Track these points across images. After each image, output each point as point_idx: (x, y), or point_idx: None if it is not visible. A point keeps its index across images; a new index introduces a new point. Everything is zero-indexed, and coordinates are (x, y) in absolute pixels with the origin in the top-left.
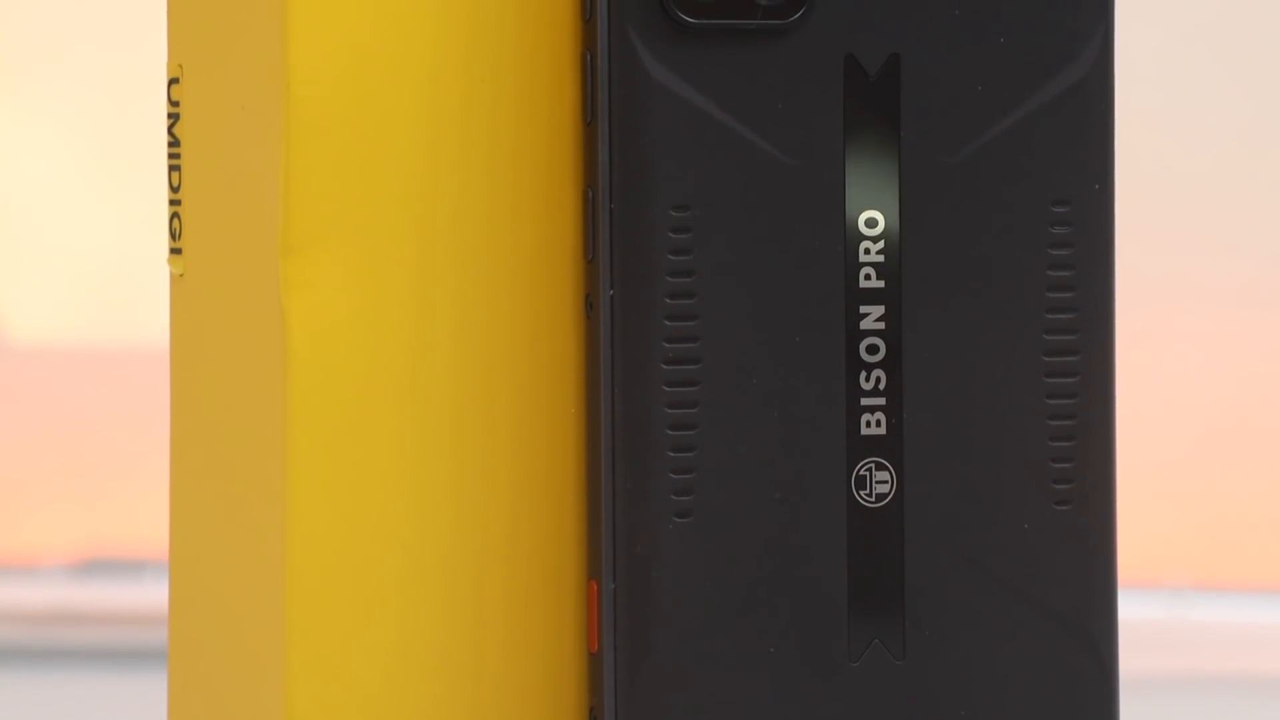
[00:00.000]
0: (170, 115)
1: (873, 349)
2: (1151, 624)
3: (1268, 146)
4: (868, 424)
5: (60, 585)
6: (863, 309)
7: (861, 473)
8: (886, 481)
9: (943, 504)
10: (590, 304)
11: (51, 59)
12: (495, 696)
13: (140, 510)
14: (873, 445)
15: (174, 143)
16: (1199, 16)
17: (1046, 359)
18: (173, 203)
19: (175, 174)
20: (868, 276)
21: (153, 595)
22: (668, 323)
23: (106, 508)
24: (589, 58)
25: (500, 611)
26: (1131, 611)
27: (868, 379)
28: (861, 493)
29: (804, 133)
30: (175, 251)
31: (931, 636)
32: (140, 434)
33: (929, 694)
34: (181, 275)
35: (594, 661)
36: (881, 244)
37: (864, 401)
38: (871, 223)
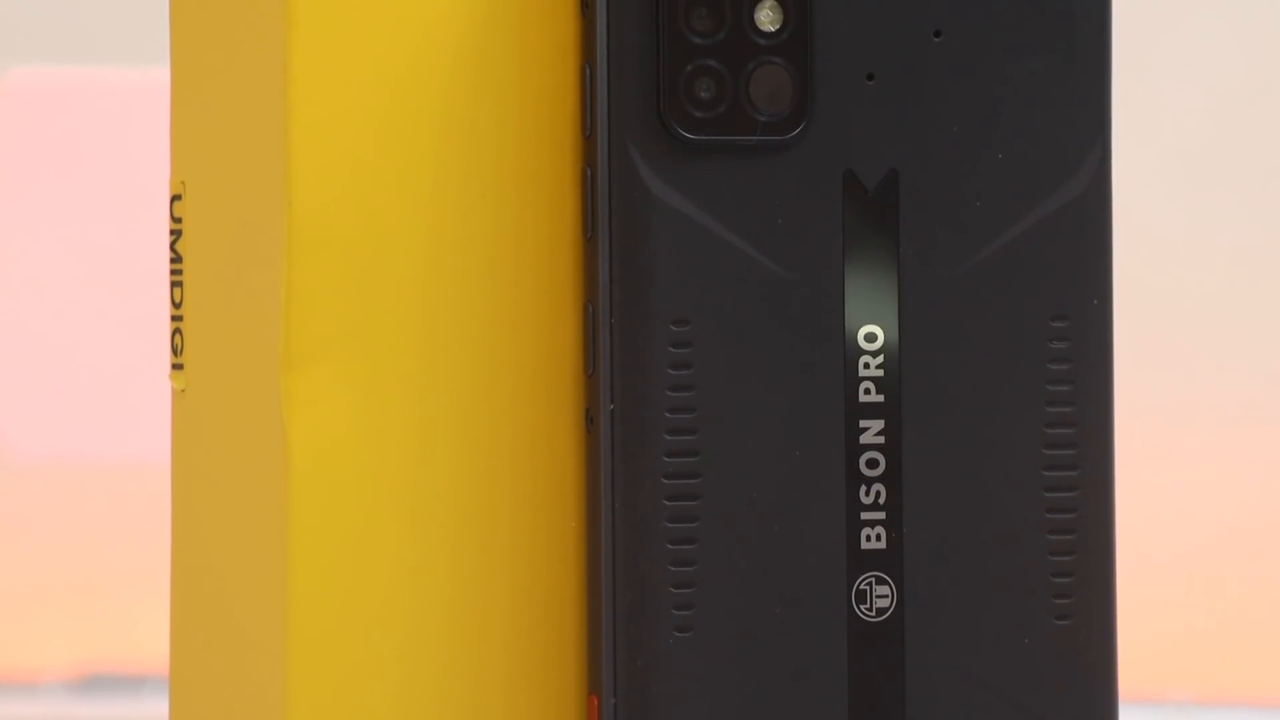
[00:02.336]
0: (172, 232)
1: (873, 463)
2: None
3: (1267, 262)
4: (868, 538)
5: (60, 701)
6: (862, 423)
7: (862, 587)
8: (887, 596)
9: (943, 619)
10: (590, 419)
11: (53, 173)
12: None
13: (141, 626)
14: (873, 560)
15: (176, 259)
16: (1197, 131)
17: (1046, 473)
18: (174, 318)
19: (177, 290)
20: (867, 391)
21: (153, 711)
22: (668, 437)
23: (107, 623)
24: (589, 173)
25: None
26: None
27: (868, 493)
28: (862, 607)
29: (803, 248)
30: (177, 367)
31: None
32: (141, 550)
33: None
34: (183, 391)
35: None
36: (881, 359)
37: (864, 516)
38: (871, 337)
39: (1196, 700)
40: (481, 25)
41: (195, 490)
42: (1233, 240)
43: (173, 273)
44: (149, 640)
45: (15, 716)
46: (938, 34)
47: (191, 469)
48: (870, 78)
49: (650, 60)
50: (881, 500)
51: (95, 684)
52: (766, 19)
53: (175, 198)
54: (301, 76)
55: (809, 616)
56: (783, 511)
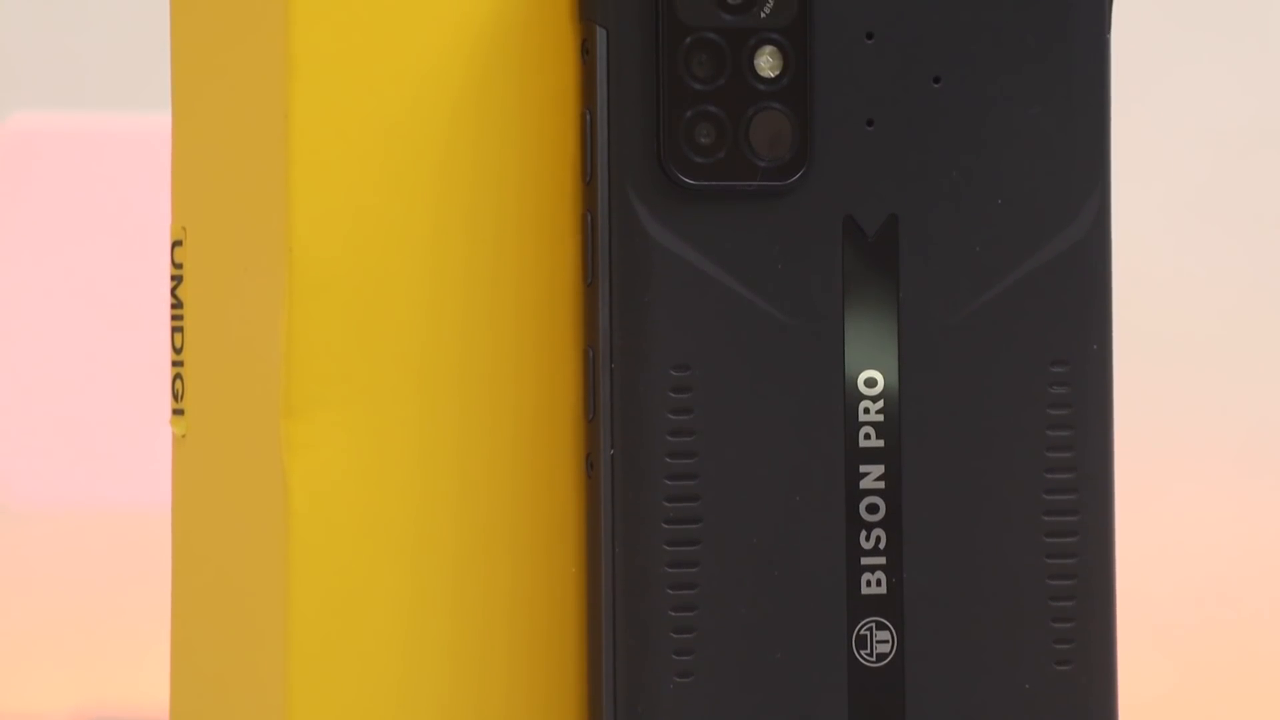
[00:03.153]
0: (173, 277)
1: (873, 508)
2: None
3: (1267, 308)
4: (868, 583)
5: None
6: (863, 468)
7: (862, 632)
8: (887, 641)
9: (943, 663)
10: (591, 463)
11: (54, 218)
12: None
13: (142, 671)
14: (873, 605)
15: (177, 304)
16: (1196, 177)
17: (1046, 518)
18: (175, 364)
19: (178, 335)
20: (867, 436)
21: None
22: (668, 482)
23: (108, 669)
24: (589, 219)
25: None
26: None
27: (868, 538)
28: (862, 652)
29: (803, 293)
30: (177, 413)
31: None
32: (142, 595)
33: None
34: (183, 436)
35: None
36: (881, 403)
37: (864, 561)
38: (871, 382)
39: None
40: (481, 71)
41: (196, 536)
42: (1233, 284)
43: (173, 318)
44: (150, 686)
45: None
46: (937, 80)
47: (192, 514)
48: (870, 123)
49: (650, 106)
50: (882, 545)
51: None
52: (767, 65)
53: (176, 243)
54: (302, 121)
55: (809, 662)
56: (783, 556)
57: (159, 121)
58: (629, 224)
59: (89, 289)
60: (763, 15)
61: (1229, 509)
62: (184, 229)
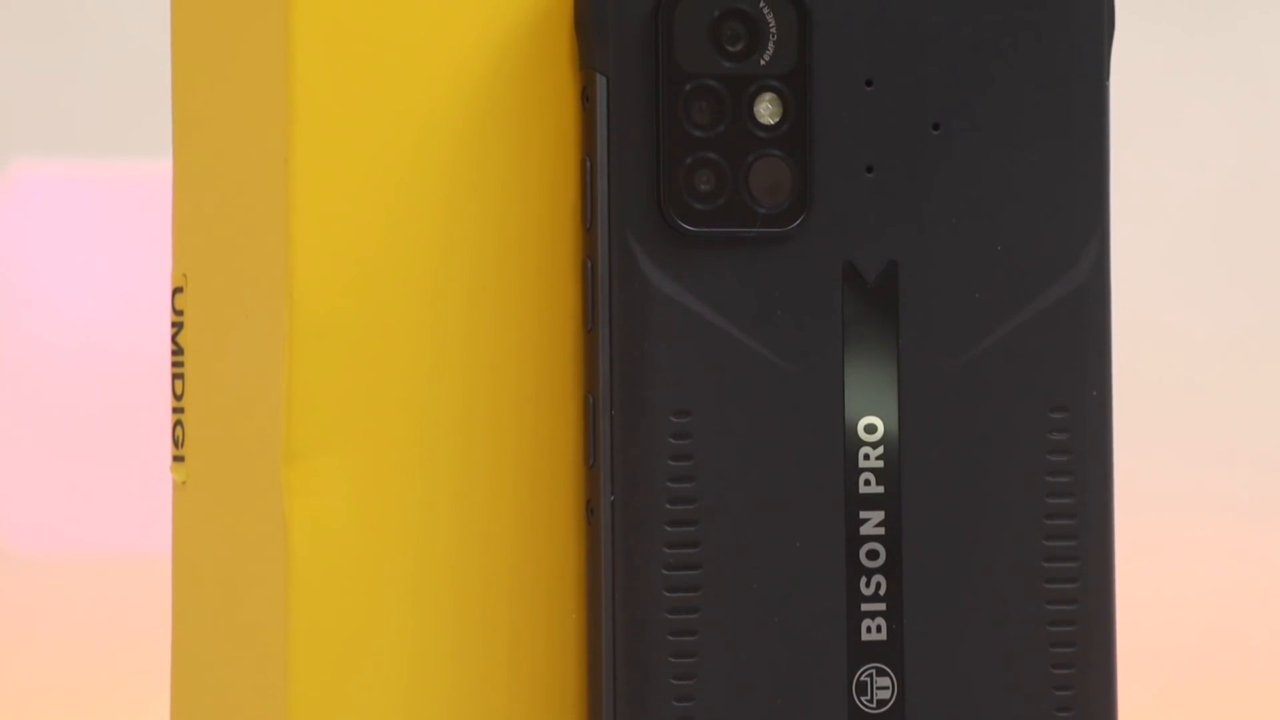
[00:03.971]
0: (174, 324)
1: (873, 554)
2: None
3: (1267, 354)
4: (868, 629)
5: None
6: (863, 514)
7: (862, 678)
8: (887, 687)
9: (944, 710)
10: (591, 509)
11: (55, 265)
12: None
13: (142, 718)
14: (874, 651)
15: (177, 351)
16: (1196, 223)
17: (1046, 565)
18: (175, 410)
19: (178, 382)
20: (867, 482)
21: None
22: (668, 528)
23: (108, 716)
24: (589, 265)
25: None
26: None
27: (868, 584)
28: (863, 699)
29: (803, 339)
30: (178, 459)
31: None
32: (142, 642)
33: None
34: (184, 483)
35: None
36: (881, 449)
37: (864, 607)
38: (871, 428)
39: None
40: (482, 118)
41: (196, 582)
42: (1233, 329)
43: (174, 365)
44: None
45: None
46: (936, 127)
47: (192, 561)
48: (869, 170)
49: (650, 153)
50: (882, 591)
51: None
52: (766, 112)
53: (177, 290)
54: (303, 167)
55: (810, 708)
56: (783, 602)
57: (160, 169)
58: (629, 270)
59: (89, 336)
60: (763, 62)
61: (1231, 555)
62: (185, 276)
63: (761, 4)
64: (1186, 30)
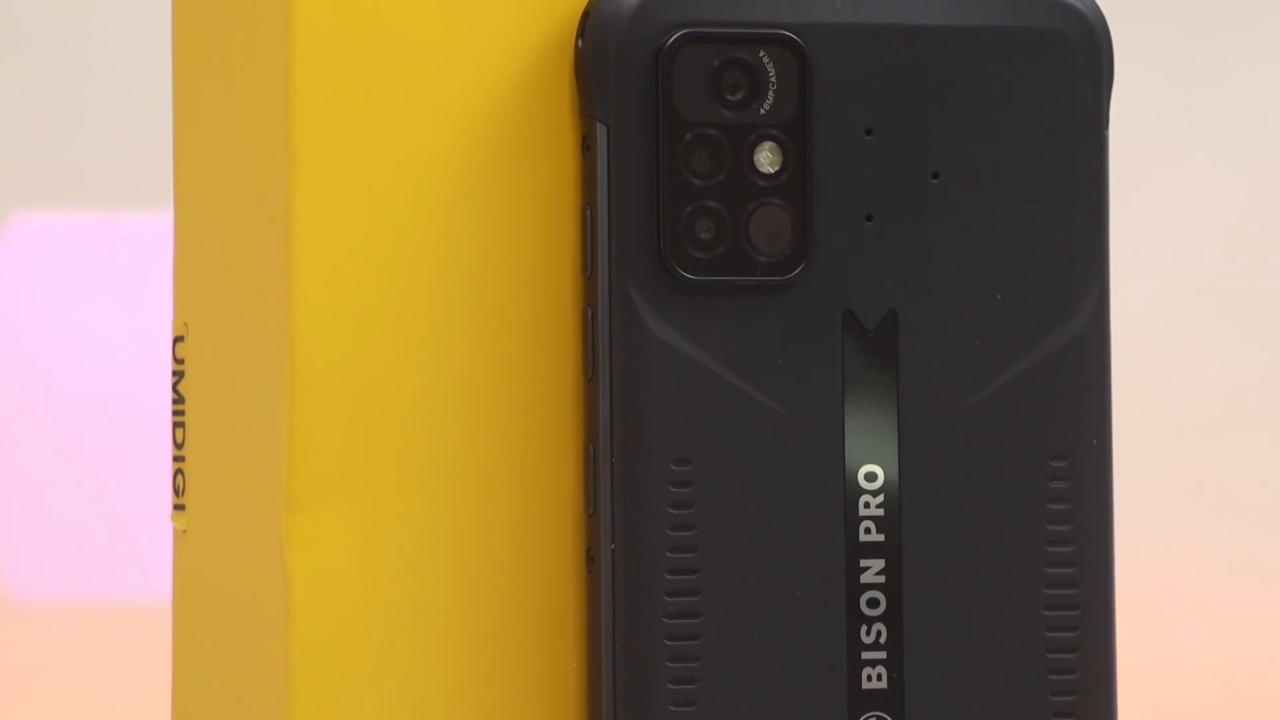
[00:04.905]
0: (175, 372)
1: (873, 602)
2: None
3: (1268, 402)
4: (869, 678)
5: None
6: (863, 562)
7: None
8: None
9: None
10: (591, 558)
11: (56, 315)
12: None
13: None
14: (874, 699)
15: (178, 399)
16: (1195, 272)
17: (1046, 613)
18: (176, 459)
19: (179, 431)
20: (868, 530)
21: None
22: (669, 577)
23: None
24: (589, 313)
25: None
26: None
27: (868, 632)
28: None
29: (803, 387)
30: (178, 508)
31: None
32: (142, 691)
33: None
34: (184, 532)
35: None
36: (881, 497)
37: (865, 655)
38: (871, 476)
39: None
40: (483, 167)
41: (196, 631)
42: (1233, 379)
43: (174, 413)
44: None
45: None
46: (936, 175)
47: (193, 610)
48: (869, 218)
49: (650, 201)
50: (882, 640)
51: None
52: (766, 160)
53: (178, 339)
54: (304, 218)
55: None
56: (784, 651)
57: (161, 219)
58: (629, 318)
59: (90, 384)
60: (762, 111)
61: (1232, 604)
62: (186, 325)
63: (761, 53)
64: (1184, 84)
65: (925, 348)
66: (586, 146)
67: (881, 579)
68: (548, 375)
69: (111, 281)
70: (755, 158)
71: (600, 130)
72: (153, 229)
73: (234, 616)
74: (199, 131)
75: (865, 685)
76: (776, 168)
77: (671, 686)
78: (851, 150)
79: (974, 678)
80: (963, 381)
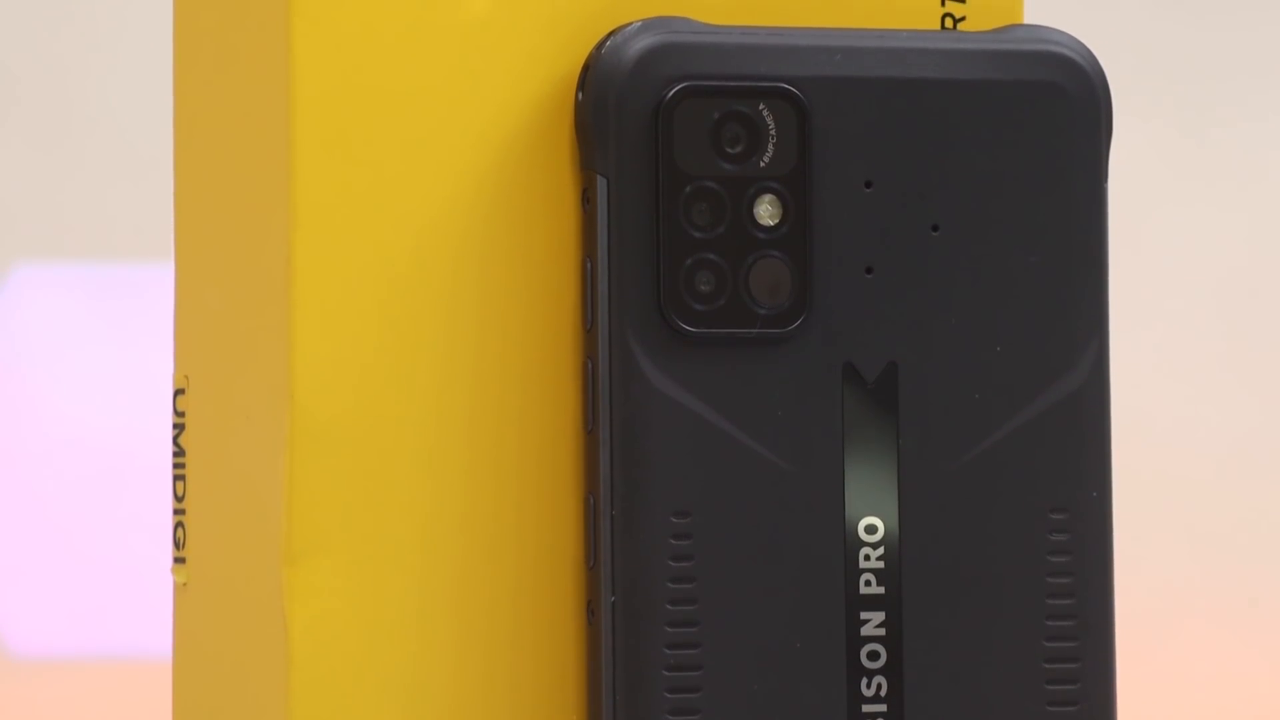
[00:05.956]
0: (175, 426)
1: (874, 655)
2: None
3: (1268, 455)
4: None
5: None
6: (863, 615)
7: None
8: None
9: None
10: (591, 611)
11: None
12: None
13: None
14: None
15: (179, 452)
16: (1195, 324)
17: (1047, 666)
18: (177, 512)
19: (179, 484)
20: (868, 583)
21: None
22: (669, 629)
23: None
24: (590, 366)
25: None
26: None
27: (869, 685)
28: None
29: (803, 439)
30: (179, 561)
31: None
32: None
33: None
34: (185, 585)
35: None
36: (881, 550)
37: (865, 708)
38: (871, 529)
39: None
40: (484, 220)
41: (197, 685)
42: (1233, 431)
43: (175, 466)
44: None
45: None
46: (935, 228)
47: (193, 663)
48: (869, 271)
49: (650, 254)
50: (883, 693)
51: None
52: (766, 213)
53: (179, 392)
54: (305, 271)
55: None
56: (784, 704)
57: (161, 272)
58: (629, 371)
59: (90, 437)
60: (762, 164)
61: (1231, 657)
62: (186, 378)
63: (761, 106)
64: (1182, 131)
65: (925, 400)
66: (586, 199)
67: (882, 631)
68: (548, 427)
69: (112, 334)
70: (755, 210)
71: (600, 183)
72: (153, 281)
73: (235, 669)
74: (200, 183)
75: None
76: (776, 220)
77: None
78: (851, 203)
79: None
80: (963, 434)
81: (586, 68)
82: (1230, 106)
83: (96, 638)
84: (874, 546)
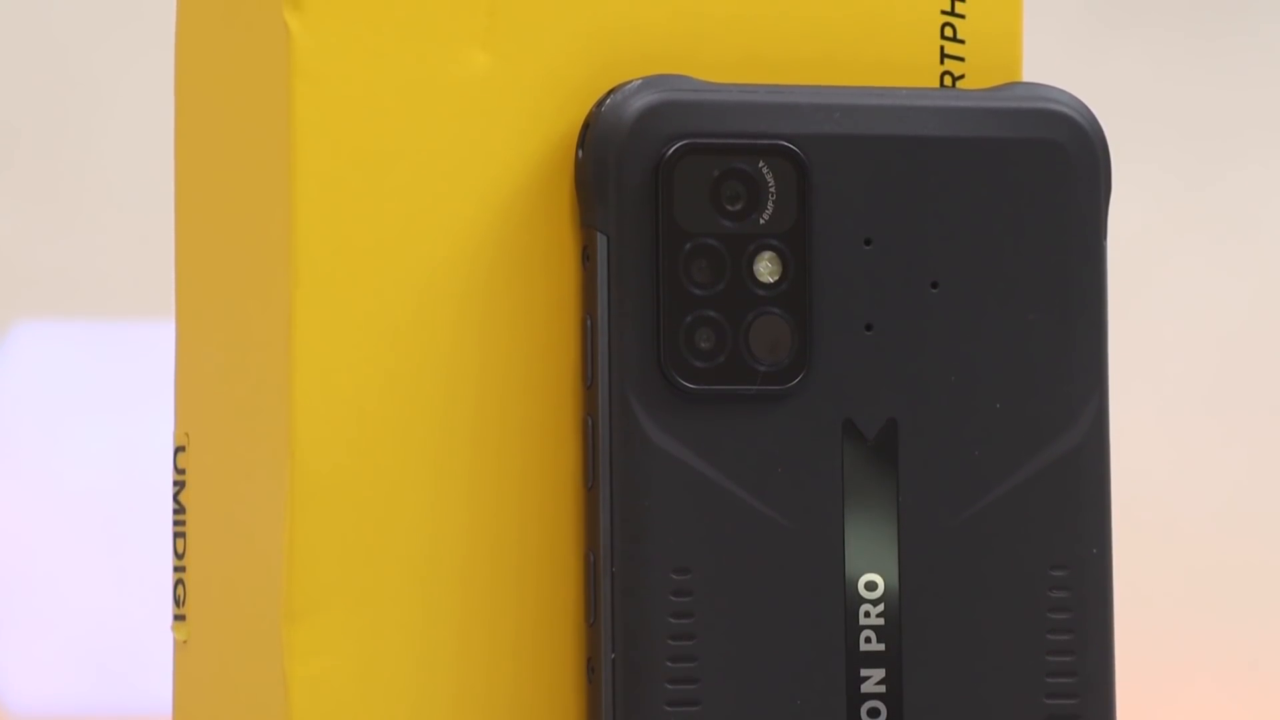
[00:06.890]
0: (176, 483)
1: (874, 712)
2: None
3: (1267, 512)
4: None
5: None
6: (863, 672)
7: None
8: None
9: None
10: (592, 668)
11: (58, 426)
12: None
13: None
14: None
15: (179, 510)
16: (1193, 378)
17: None
18: (177, 569)
19: (180, 541)
20: (868, 639)
21: None
22: (669, 686)
23: None
24: (589, 423)
25: None
26: None
27: None
28: None
29: (803, 496)
30: (179, 618)
31: None
32: None
33: None
34: (185, 642)
35: None
36: (881, 607)
37: None
38: (871, 585)
39: None
40: (484, 277)
41: None
42: (1231, 488)
43: (175, 523)
44: None
45: None
46: (935, 285)
47: None
48: (869, 328)
49: (650, 311)
50: None
51: None
52: (766, 270)
53: (179, 449)
54: (305, 328)
55: None
56: None
57: (162, 330)
58: (629, 428)
59: (90, 494)
60: (762, 221)
61: (1229, 714)
62: (187, 435)
63: (761, 163)
64: (1185, 183)
65: (925, 457)
66: (586, 257)
67: (882, 688)
68: (548, 484)
69: (112, 391)
70: (755, 267)
71: (600, 240)
72: (154, 338)
73: None
74: (201, 241)
75: None
76: (776, 277)
77: None
78: (851, 260)
79: None
80: (963, 490)
81: (586, 126)
82: (1223, 164)
83: (96, 695)
84: (874, 603)
